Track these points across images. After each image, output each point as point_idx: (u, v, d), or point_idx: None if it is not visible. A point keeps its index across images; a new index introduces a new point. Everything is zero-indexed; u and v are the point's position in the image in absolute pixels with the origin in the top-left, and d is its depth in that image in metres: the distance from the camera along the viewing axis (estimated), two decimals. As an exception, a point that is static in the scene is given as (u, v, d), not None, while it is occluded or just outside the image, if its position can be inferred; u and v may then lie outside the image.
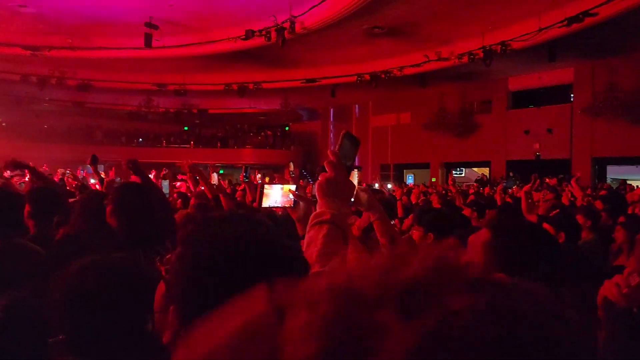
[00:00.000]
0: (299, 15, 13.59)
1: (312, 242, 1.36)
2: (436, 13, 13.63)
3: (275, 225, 1.09)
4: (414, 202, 8.40)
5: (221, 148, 27.23)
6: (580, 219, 4.64)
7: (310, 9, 13.21)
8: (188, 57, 17.37)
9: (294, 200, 1.93)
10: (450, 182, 12.28)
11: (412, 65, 17.12)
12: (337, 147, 1.46)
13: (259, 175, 15.37)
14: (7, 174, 5.17)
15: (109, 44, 16.78)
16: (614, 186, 14.38)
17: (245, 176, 8.40)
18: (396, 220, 5.28)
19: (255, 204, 2.31)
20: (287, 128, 29.35)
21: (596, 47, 15.36)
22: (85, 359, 1.31)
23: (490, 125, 21.19)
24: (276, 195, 2.05)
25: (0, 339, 1.53)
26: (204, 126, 28.76)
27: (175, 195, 7.01)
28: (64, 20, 15.42)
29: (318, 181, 1.45)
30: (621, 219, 4.95)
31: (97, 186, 8.43)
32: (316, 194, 1.46)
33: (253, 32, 14.51)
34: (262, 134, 28.38)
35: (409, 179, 23.81)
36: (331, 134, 26.88)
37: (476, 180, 19.31)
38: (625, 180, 15.78)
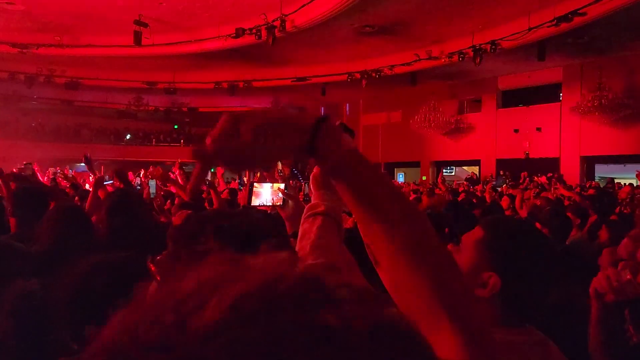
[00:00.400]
0: (290, 14, 13.56)
1: (305, 234, 1.34)
2: (426, 12, 13.65)
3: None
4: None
5: (211, 147, 27.06)
6: (569, 216, 4.69)
7: (301, 7, 13.18)
8: (178, 55, 17.27)
9: (283, 199, 1.93)
10: (439, 180, 12.31)
11: (402, 64, 17.15)
12: None
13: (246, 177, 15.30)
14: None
15: (98, 42, 16.64)
16: (602, 184, 14.52)
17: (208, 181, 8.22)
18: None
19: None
20: (277, 127, 29.24)
21: (585, 46, 15.46)
22: None
23: (480, 124, 21.30)
24: (266, 194, 2.04)
25: (8, 331, 1.52)
26: (194, 125, 28.61)
27: (162, 194, 6.94)
28: (53, 18, 15.27)
29: (312, 173, 1.43)
30: (613, 217, 5.02)
31: (88, 185, 8.36)
32: (310, 186, 1.45)
33: (243, 30, 14.46)
34: (253, 132, 28.26)
35: (400, 178, 23.87)
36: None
37: (466, 179, 19.38)
38: (612, 178, 15.93)
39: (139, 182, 11.84)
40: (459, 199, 7.60)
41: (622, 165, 18.06)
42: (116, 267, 1.47)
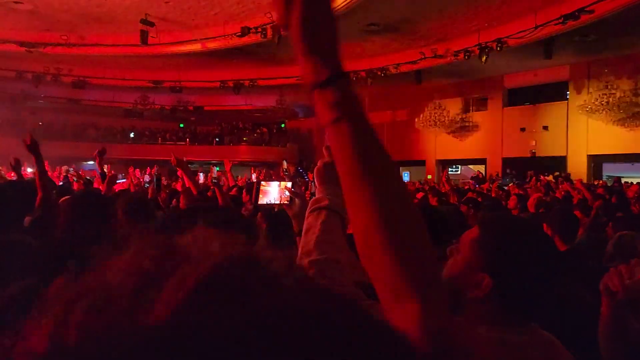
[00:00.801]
0: (295, 12, 13.55)
1: (310, 228, 1.33)
2: (432, 10, 13.62)
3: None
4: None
5: (217, 145, 27.15)
6: (577, 214, 4.66)
7: (307, 5, 13.17)
8: (184, 54, 17.31)
9: (290, 197, 1.93)
10: (444, 179, 12.24)
11: (408, 63, 17.12)
12: None
13: (254, 175, 15.32)
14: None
15: (104, 41, 16.72)
16: (609, 183, 14.43)
17: (214, 178, 8.16)
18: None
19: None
20: (283, 125, 29.29)
21: (592, 44, 15.38)
22: None
23: (486, 122, 21.22)
24: (274, 192, 2.04)
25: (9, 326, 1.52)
26: (199, 123, 28.69)
27: (164, 193, 6.94)
28: (60, 17, 15.35)
29: (316, 167, 1.44)
30: (619, 214, 5.00)
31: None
32: (315, 180, 1.45)
33: (249, 29, 14.48)
34: (258, 131, 28.31)
35: (405, 176, 23.80)
36: (327, 131, 26.79)
37: (472, 178, 19.32)
38: (619, 177, 15.83)
39: (147, 179, 11.91)
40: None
41: (629, 164, 17.95)
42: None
